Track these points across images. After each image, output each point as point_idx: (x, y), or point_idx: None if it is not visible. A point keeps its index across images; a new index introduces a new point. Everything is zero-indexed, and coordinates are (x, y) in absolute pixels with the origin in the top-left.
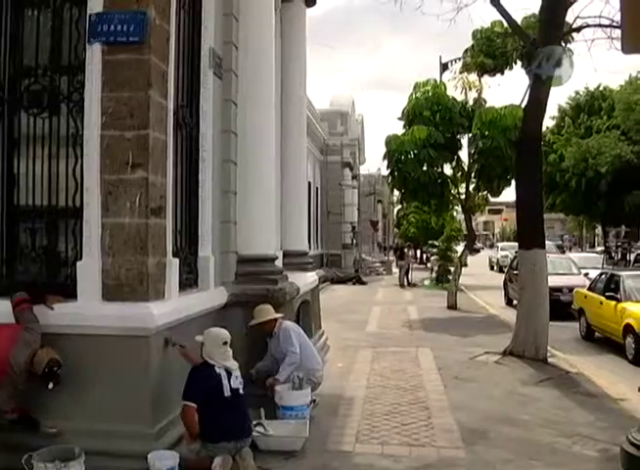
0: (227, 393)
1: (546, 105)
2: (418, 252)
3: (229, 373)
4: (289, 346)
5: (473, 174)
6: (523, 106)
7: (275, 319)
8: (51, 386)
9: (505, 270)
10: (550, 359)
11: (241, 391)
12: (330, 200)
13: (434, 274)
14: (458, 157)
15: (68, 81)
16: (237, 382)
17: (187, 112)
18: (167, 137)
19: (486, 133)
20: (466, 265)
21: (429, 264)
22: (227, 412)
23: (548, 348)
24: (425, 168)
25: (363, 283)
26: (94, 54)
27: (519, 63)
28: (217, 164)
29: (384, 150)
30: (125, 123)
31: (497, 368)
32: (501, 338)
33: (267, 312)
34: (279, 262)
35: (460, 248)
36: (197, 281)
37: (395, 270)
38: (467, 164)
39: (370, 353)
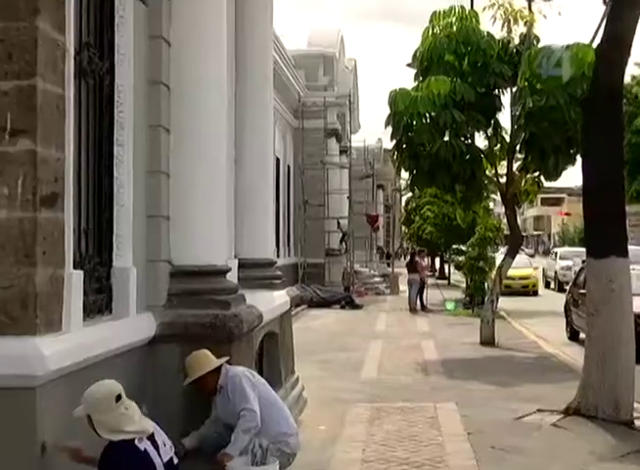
0: None
1: (631, 43)
2: (437, 260)
3: (154, 442)
4: (242, 402)
5: (518, 147)
6: (595, 45)
7: (217, 369)
8: None
9: (567, 288)
10: (638, 422)
11: (175, 460)
12: (308, 185)
13: (460, 293)
14: (496, 121)
15: None
16: (168, 449)
17: (95, 53)
18: (66, 91)
19: (539, 86)
20: (535, 293)
21: (452, 279)
22: None
23: (635, 405)
24: (447, 139)
25: (357, 306)
26: None
27: None
28: (141, 132)
29: (386, 111)
30: (0, 69)
31: (557, 434)
32: (562, 389)
33: (204, 362)
34: (232, 276)
35: (499, 257)
36: (110, 304)
37: (404, 288)
38: (509, 132)
39: (367, 411)
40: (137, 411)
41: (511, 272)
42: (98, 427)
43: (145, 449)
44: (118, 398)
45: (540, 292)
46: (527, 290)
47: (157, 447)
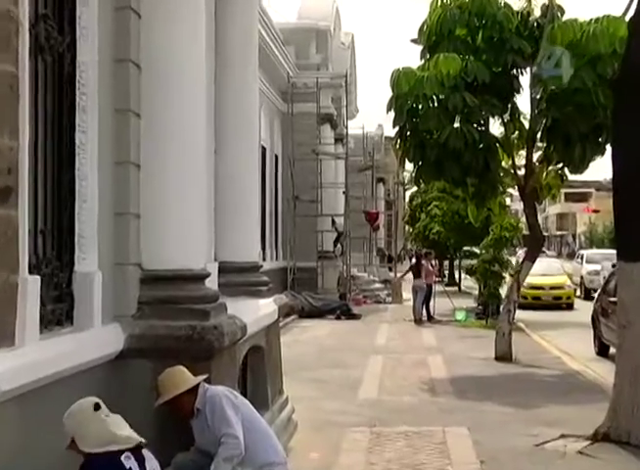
0: None
1: None
2: (446, 264)
3: (143, 465)
4: (223, 426)
5: (539, 135)
6: (628, 18)
7: (194, 388)
8: None
9: (595, 296)
10: None
11: None
12: (299, 177)
13: (472, 302)
14: (514, 105)
15: None
16: None
17: (54, 26)
18: (20, 69)
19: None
20: (569, 306)
21: (463, 285)
22: None
23: None
24: (457, 125)
25: (354, 317)
26: None
27: None
28: (107, 117)
29: (388, 94)
30: None
31: (583, 463)
32: (589, 411)
33: (179, 381)
34: (212, 282)
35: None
36: (71, 314)
37: (408, 296)
38: (529, 117)
39: (366, 437)
40: (124, 423)
41: (541, 281)
42: (82, 444)
43: (130, 468)
44: (97, 406)
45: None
46: (561, 302)
47: (142, 465)
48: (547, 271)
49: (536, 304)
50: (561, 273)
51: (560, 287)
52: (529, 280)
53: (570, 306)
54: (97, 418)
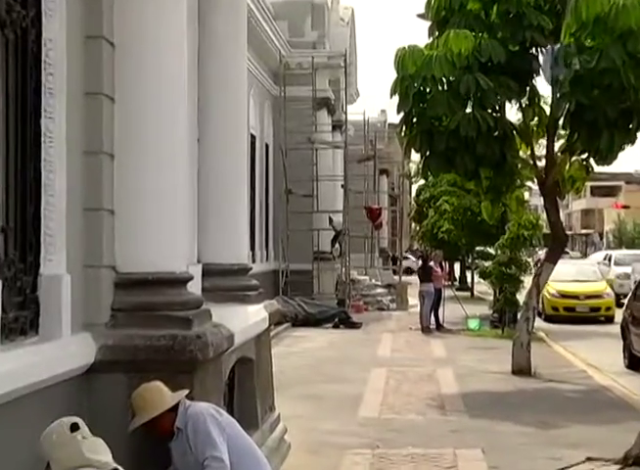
0: None
1: None
2: (457, 266)
3: None
4: (207, 448)
5: (561, 122)
6: None
7: (174, 408)
8: None
9: (625, 302)
10: None
11: None
12: (292, 169)
13: (486, 308)
14: (533, 88)
15: None
16: None
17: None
18: None
19: (589, 43)
20: (609, 319)
21: (476, 290)
22: None
23: None
24: (469, 110)
25: (354, 325)
26: None
27: None
28: (77, 102)
29: (392, 76)
30: None
31: None
32: (618, 431)
33: (157, 399)
34: (195, 286)
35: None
36: (36, 323)
37: (414, 301)
38: (550, 101)
39: (367, 460)
40: (104, 447)
41: (574, 288)
42: (54, 468)
43: None
44: (74, 427)
45: None
46: (599, 315)
47: None
48: (581, 276)
49: (569, 316)
50: (598, 279)
51: (598, 296)
52: (560, 287)
53: (609, 320)
54: (72, 440)
